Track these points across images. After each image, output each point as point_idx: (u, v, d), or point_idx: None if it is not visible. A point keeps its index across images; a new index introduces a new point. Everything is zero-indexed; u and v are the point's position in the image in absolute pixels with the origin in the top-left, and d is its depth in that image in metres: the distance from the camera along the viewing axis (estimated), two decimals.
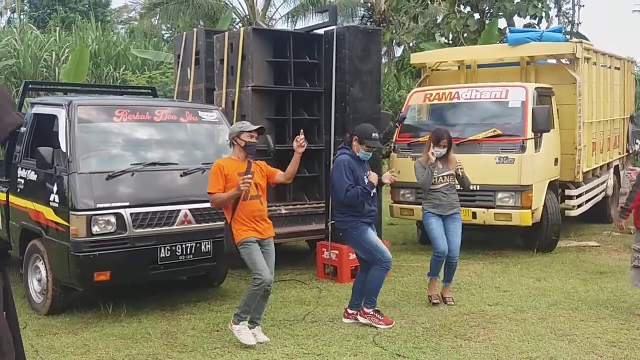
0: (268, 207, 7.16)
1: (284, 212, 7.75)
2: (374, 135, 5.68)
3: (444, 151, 6.33)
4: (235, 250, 5.25)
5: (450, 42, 21.73)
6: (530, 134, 8.32)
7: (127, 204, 5.80)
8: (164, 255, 5.92)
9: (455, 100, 8.93)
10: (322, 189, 8.07)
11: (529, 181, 8.22)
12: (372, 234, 5.69)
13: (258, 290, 5.14)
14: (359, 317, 5.81)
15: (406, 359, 4.93)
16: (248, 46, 7.97)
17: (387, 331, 5.59)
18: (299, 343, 5.30)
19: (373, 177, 5.65)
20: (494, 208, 8.28)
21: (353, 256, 7.33)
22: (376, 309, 5.78)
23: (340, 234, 6.02)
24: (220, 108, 7.67)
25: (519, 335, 5.40)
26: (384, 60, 26.91)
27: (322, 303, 6.50)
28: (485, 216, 8.31)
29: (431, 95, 9.18)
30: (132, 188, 5.92)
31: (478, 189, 8.12)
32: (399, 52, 27.01)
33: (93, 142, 6.16)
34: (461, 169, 6.40)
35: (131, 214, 5.77)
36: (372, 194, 5.65)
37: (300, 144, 5.27)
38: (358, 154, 5.65)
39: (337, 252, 7.37)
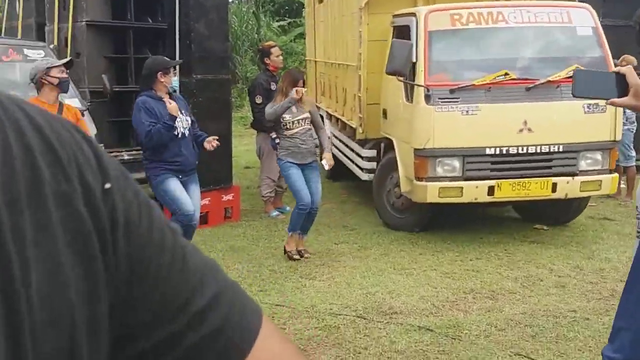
0: (109, 152, 6.81)
1: (126, 157, 7.32)
2: (166, 58, 5.43)
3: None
4: None
5: None
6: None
7: None
8: None
9: (502, 24, 6.39)
10: None
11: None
12: (173, 183, 5.22)
13: None
14: None
15: None
16: None
17: (233, 276, 5.40)
18: None
19: (172, 107, 5.02)
20: (577, 175, 6.20)
21: (203, 201, 7.15)
22: None
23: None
24: (52, 45, 7.03)
25: (361, 271, 5.53)
26: None
27: None
28: (569, 187, 6.17)
29: (460, 16, 6.38)
30: None
31: (560, 149, 6.12)
32: None
33: None
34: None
35: None
36: (175, 132, 5.11)
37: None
38: (171, 85, 5.28)
39: None
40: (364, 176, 7.61)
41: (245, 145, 12.07)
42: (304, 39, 13.46)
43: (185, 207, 5.18)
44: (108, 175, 0.61)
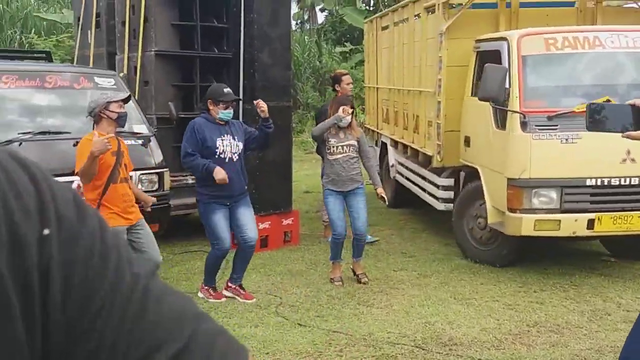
0: (173, 176, 7.01)
1: (190, 181, 7.49)
2: (225, 90, 5.45)
3: (349, 119, 5.85)
4: None
5: (371, 7, 21.71)
6: None
7: None
8: None
9: (599, 49, 6.07)
10: None
11: None
12: (217, 217, 5.30)
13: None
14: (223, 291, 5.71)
15: (307, 328, 4.89)
16: (150, 8, 7.60)
17: (291, 300, 5.53)
18: None
19: (220, 177, 5.16)
20: None
21: (263, 225, 7.24)
22: (238, 285, 5.65)
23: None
24: (122, 74, 7.32)
25: (420, 300, 5.45)
26: (306, 27, 26.65)
27: (227, 274, 6.36)
28: None
29: (555, 40, 6.07)
30: None
31: None
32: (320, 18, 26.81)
33: None
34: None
35: None
36: (222, 155, 5.24)
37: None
38: (217, 116, 5.33)
39: None
40: (440, 206, 7.30)
41: (305, 170, 12.18)
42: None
43: (222, 245, 5.39)
44: (49, 220, 0.54)
